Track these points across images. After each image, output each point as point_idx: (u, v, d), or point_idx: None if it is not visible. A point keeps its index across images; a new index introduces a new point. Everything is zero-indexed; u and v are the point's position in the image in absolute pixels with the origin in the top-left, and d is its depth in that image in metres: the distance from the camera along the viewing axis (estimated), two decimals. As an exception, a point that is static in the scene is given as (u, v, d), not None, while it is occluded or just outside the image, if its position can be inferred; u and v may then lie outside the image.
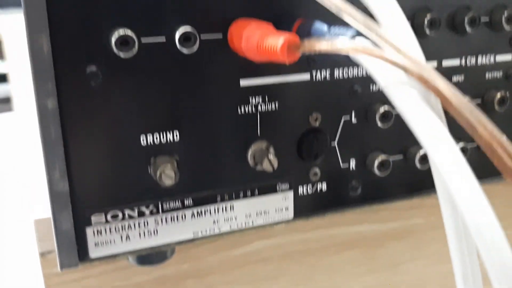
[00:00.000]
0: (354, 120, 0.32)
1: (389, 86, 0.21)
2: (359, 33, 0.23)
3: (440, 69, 0.33)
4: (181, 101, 0.28)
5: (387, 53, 0.20)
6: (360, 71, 0.32)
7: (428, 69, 0.20)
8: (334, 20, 0.23)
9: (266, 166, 0.29)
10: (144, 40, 0.26)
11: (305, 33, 0.26)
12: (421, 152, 0.34)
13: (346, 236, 0.42)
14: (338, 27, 0.24)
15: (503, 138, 0.20)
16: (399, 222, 0.43)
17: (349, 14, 0.20)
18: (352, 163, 0.33)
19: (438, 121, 0.19)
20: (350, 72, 0.31)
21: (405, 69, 0.19)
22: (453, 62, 0.34)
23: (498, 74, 0.35)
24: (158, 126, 0.28)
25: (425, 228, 0.44)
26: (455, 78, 0.34)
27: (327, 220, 0.38)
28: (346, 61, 0.25)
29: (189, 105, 0.28)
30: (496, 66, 0.35)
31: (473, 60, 0.34)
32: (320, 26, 0.25)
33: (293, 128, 0.31)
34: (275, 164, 0.29)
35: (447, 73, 0.34)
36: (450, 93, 0.19)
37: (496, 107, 0.35)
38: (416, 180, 0.35)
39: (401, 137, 0.34)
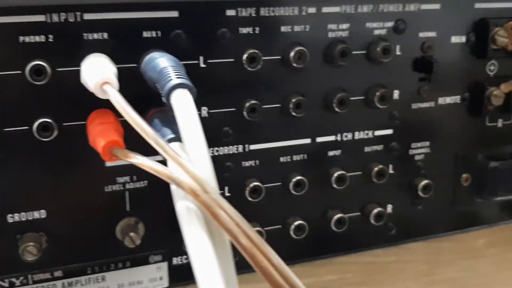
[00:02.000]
0: (227, 194, 0.34)
1: (175, 197, 0.22)
2: (178, 138, 0.25)
3: (314, 144, 0.35)
4: (46, 182, 0.30)
5: (170, 169, 0.22)
6: (232, 149, 0.34)
7: (202, 182, 0.22)
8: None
9: (127, 242, 0.31)
10: (7, 130, 0.29)
11: (152, 123, 0.28)
12: (296, 223, 0.35)
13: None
14: (165, 128, 0.26)
15: (265, 247, 0.22)
16: (311, 278, 0.44)
17: (141, 129, 0.22)
18: (227, 234, 0.35)
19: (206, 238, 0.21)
20: (222, 150, 0.33)
21: (178, 184, 0.21)
22: (328, 139, 0.35)
23: (378, 147, 0.37)
24: (24, 206, 0.30)
25: (339, 285, 0.45)
26: (331, 153, 0.36)
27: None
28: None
29: (55, 185, 0.31)
30: (375, 140, 0.37)
31: (349, 136, 0.36)
32: (157, 123, 0.27)
33: (165, 203, 0.33)
34: (137, 241, 0.31)
35: (322, 148, 0.35)
36: (210, 200, 0.21)
37: (375, 179, 0.36)
38: (293, 250, 0.37)
39: (277, 209, 0.35)
